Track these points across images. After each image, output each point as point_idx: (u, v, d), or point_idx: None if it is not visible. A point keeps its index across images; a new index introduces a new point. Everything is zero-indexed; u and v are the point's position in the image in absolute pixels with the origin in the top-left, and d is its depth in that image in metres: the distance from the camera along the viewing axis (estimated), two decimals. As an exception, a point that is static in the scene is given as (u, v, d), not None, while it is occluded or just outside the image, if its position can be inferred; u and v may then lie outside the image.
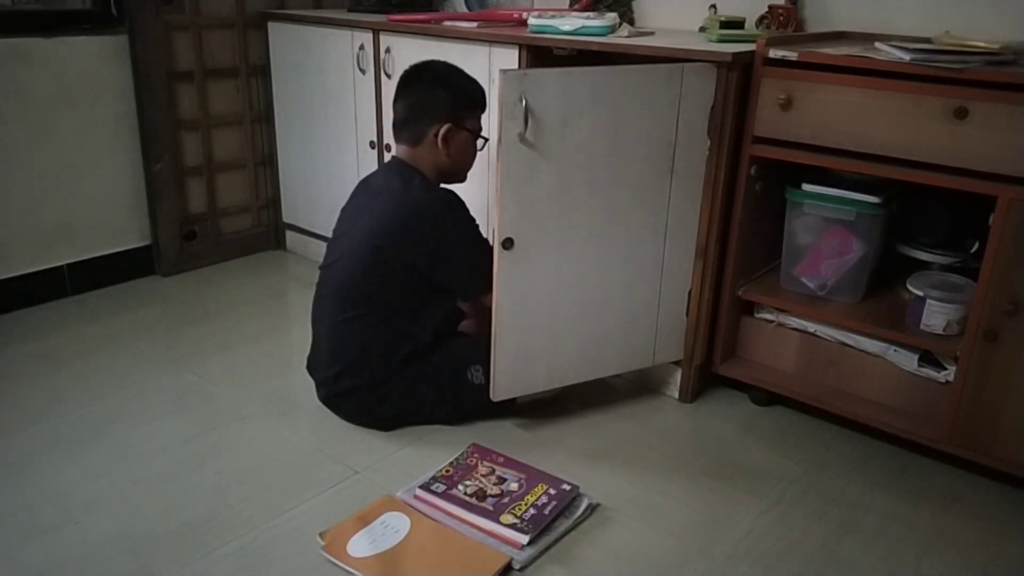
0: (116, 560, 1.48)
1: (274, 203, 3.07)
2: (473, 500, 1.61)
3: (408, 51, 2.35)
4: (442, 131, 1.84)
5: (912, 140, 1.63)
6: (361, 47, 2.48)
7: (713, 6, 2.26)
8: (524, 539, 1.51)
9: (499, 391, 1.82)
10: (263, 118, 2.96)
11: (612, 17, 2.03)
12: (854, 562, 1.53)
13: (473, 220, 1.87)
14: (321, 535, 1.52)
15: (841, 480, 1.77)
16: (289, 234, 3.09)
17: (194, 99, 2.76)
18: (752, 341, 2.05)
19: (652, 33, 2.18)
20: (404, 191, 1.82)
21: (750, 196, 1.90)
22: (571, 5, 2.47)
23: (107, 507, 1.62)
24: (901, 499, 1.71)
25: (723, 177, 1.87)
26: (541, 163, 1.68)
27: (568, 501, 1.62)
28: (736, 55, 1.75)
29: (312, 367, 1.98)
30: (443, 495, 1.62)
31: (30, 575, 1.44)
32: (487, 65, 2.14)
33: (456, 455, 1.76)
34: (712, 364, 2.05)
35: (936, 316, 1.77)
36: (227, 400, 2.02)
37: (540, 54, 2.09)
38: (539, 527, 1.54)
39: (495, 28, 2.24)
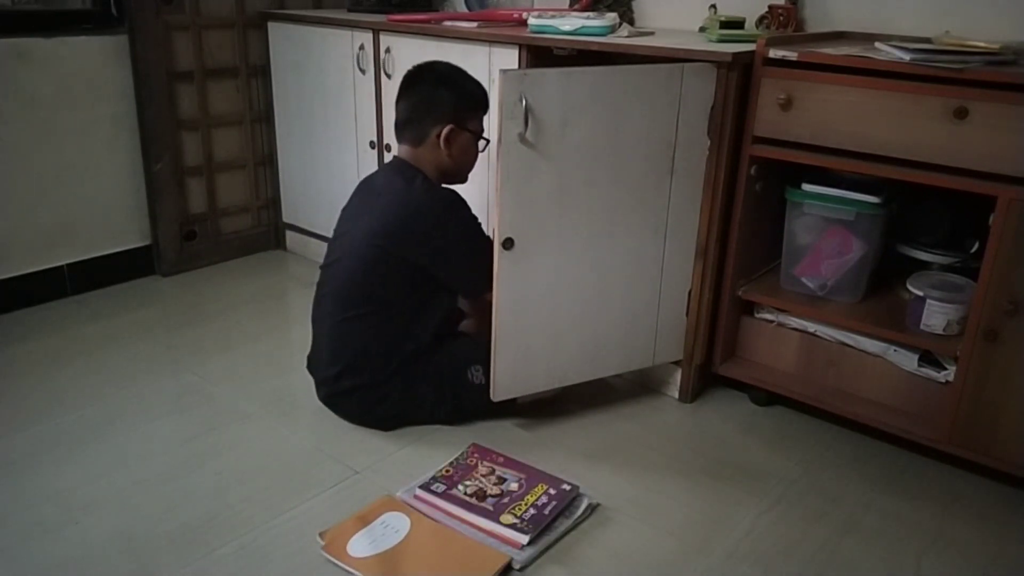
0: (116, 560, 1.48)
1: (274, 203, 3.07)
2: (473, 500, 1.61)
3: (408, 51, 2.35)
4: (444, 132, 1.84)
5: (912, 140, 1.63)
6: (361, 47, 2.48)
7: (713, 6, 2.26)
8: (524, 539, 1.51)
9: (499, 391, 1.82)
10: (263, 118, 2.96)
11: (612, 17, 2.03)
12: (854, 562, 1.53)
13: (475, 218, 1.88)
14: (321, 535, 1.52)
15: (841, 480, 1.77)
16: (289, 234, 3.09)
17: (194, 99, 2.76)
18: (752, 341, 2.05)
19: (652, 33, 2.18)
20: (406, 191, 1.82)
21: (750, 196, 1.90)
22: (571, 5, 2.47)
23: (107, 507, 1.62)
24: (901, 499, 1.71)
25: (723, 177, 1.87)
26: (541, 163, 1.68)
27: (568, 501, 1.62)
28: (736, 55, 1.75)
29: (312, 366, 1.98)
30: (443, 495, 1.62)
31: (30, 575, 1.44)
32: (487, 65, 2.14)
33: (456, 455, 1.76)
34: (712, 364, 2.05)
35: (936, 316, 1.77)
36: (227, 400, 2.02)
37: (540, 54, 2.09)
38: (539, 527, 1.54)
39: (495, 28, 2.24)
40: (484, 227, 1.92)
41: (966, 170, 1.59)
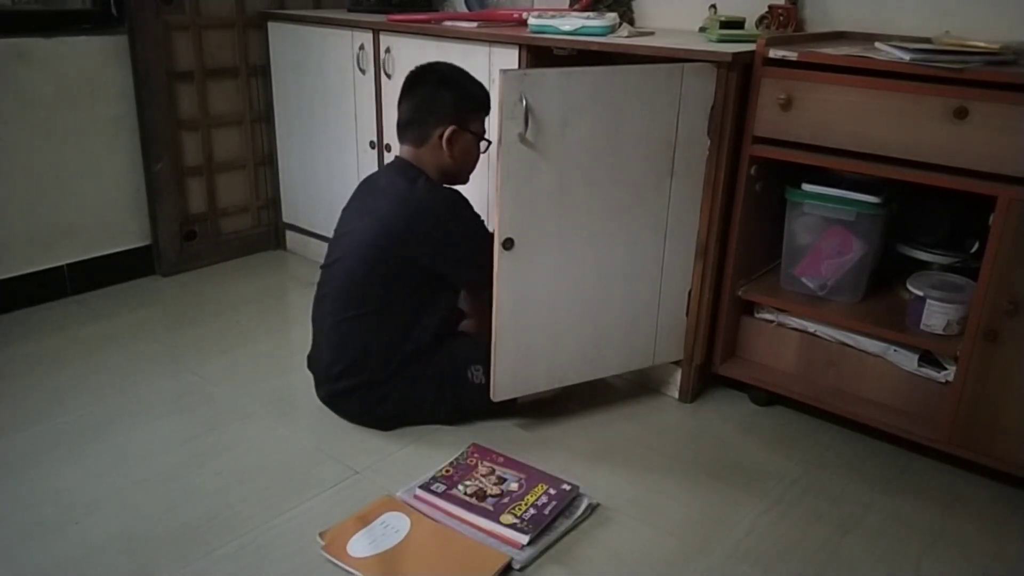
0: (116, 560, 1.48)
1: (274, 203, 3.07)
2: (473, 500, 1.61)
3: (408, 51, 2.35)
4: (447, 133, 1.84)
5: (912, 140, 1.63)
6: (361, 47, 2.48)
7: (713, 6, 2.26)
8: (524, 539, 1.51)
9: (499, 391, 1.82)
10: (263, 118, 2.96)
11: (612, 17, 2.03)
12: (854, 562, 1.53)
13: (478, 216, 1.89)
14: (321, 535, 1.52)
15: (841, 480, 1.77)
16: (289, 234, 3.09)
17: (194, 99, 2.76)
18: (752, 341, 2.05)
19: (652, 33, 2.18)
20: (409, 191, 1.82)
21: (750, 196, 1.90)
22: (571, 5, 2.47)
23: (107, 507, 1.62)
24: (901, 499, 1.71)
25: (723, 177, 1.87)
26: (541, 163, 1.68)
27: (568, 501, 1.62)
28: (736, 55, 1.75)
29: (312, 365, 1.98)
30: (443, 495, 1.62)
31: (30, 575, 1.44)
32: (487, 65, 2.14)
33: (456, 455, 1.76)
34: (712, 364, 2.05)
35: (936, 316, 1.77)
36: (227, 400, 2.02)
37: (540, 54, 2.09)
38: (539, 527, 1.54)
39: (495, 28, 2.24)
40: (486, 224, 1.92)
41: (966, 170, 1.59)
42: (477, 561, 1.47)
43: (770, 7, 2.17)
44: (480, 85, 1.92)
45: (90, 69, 2.53)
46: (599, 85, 1.70)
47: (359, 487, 1.69)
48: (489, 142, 1.93)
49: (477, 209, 1.90)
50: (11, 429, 1.87)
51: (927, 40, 1.81)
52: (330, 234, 1.99)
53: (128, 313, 2.52)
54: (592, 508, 1.64)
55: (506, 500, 1.61)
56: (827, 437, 1.93)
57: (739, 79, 1.80)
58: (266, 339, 2.36)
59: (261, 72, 2.90)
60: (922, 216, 1.97)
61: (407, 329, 1.85)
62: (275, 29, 2.80)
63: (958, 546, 1.58)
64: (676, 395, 2.08)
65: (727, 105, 1.81)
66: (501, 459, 1.75)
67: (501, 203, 1.67)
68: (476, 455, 1.77)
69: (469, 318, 2.04)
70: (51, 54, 2.44)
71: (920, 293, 1.79)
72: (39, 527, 1.56)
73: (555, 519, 1.58)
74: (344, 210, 1.98)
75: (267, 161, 3.02)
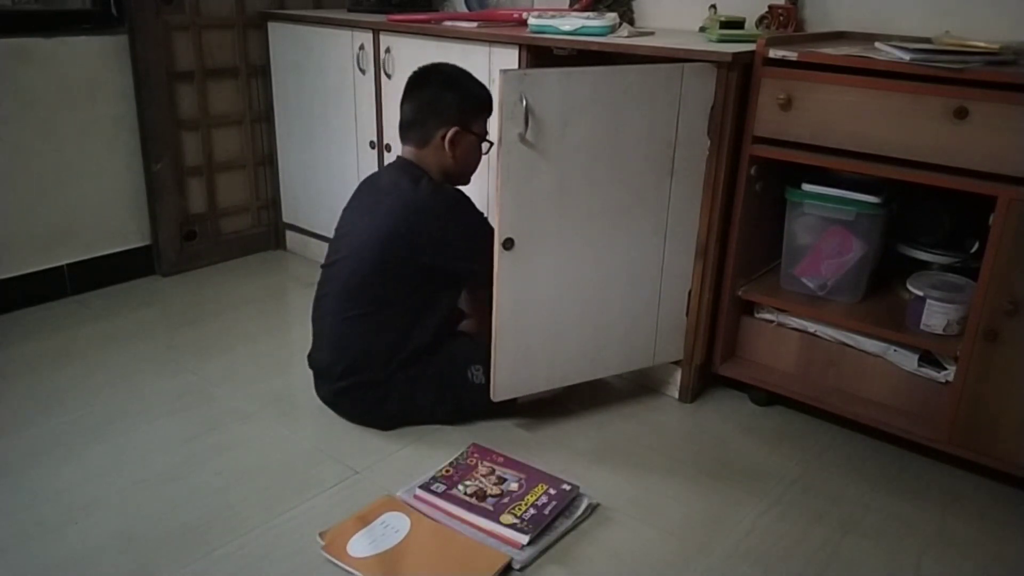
0: (116, 560, 1.48)
1: (274, 203, 3.07)
2: (473, 500, 1.61)
3: (408, 51, 2.35)
4: (449, 134, 1.85)
5: (912, 140, 1.63)
6: (361, 47, 2.48)
7: (713, 6, 2.26)
8: (524, 539, 1.51)
9: (499, 391, 1.82)
10: (263, 118, 2.96)
11: (612, 17, 2.03)
12: (854, 562, 1.53)
13: (481, 214, 1.90)
14: (321, 535, 1.52)
15: (841, 480, 1.77)
16: (289, 234, 3.09)
17: (194, 99, 2.76)
18: (752, 341, 2.05)
19: (652, 33, 2.18)
20: (413, 191, 1.82)
21: (750, 196, 1.90)
22: (571, 5, 2.47)
23: (107, 507, 1.62)
24: (901, 499, 1.71)
25: (723, 177, 1.87)
26: (541, 163, 1.68)
27: (568, 501, 1.62)
28: (736, 55, 1.75)
29: (313, 364, 1.98)
30: (443, 495, 1.62)
31: (30, 575, 1.44)
32: (487, 65, 2.14)
33: (456, 455, 1.76)
34: (712, 364, 2.05)
35: (936, 316, 1.77)
36: (227, 400, 2.02)
37: (540, 54, 2.09)
38: (539, 527, 1.54)
39: (495, 28, 2.24)
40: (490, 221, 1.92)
41: (966, 170, 1.59)
42: (477, 561, 1.47)
43: (770, 7, 2.17)
44: (483, 86, 1.92)
45: (90, 69, 2.53)
46: (599, 85, 1.70)
47: (359, 487, 1.69)
48: (491, 143, 1.94)
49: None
50: (11, 429, 1.87)
51: (927, 40, 1.81)
52: (330, 234, 1.99)
53: (128, 313, 2.52)
54: (592, 508, 1.64)
55: (506, 500, 1.61)
56: (827, 437, 1.93)
57: (739, 79, 1.80)
58: (266, 339, 2.36)
59: (261, 72, 2.90)
60: (922, 216, 1.97)
61: (408, 329, 1.85)
62: (275, 29, 2.80)
63: (958, 546, 1.58)
64: (676, 395, 2.08)
65: (727, 105, 1.81)
66: (501, 459, 1.75)
67: (501, 203, 1.67)
68: (476, 455, 1.77)
69: (469, 318, 2.04)
70: (51, 54, 2.44)
71: (920, 293, 1.79)
72: (39, 527, 1.56)
73: (555, 519, 1.58)
74: (345, 210, 1.98)
75: (267, 161, 3.02)
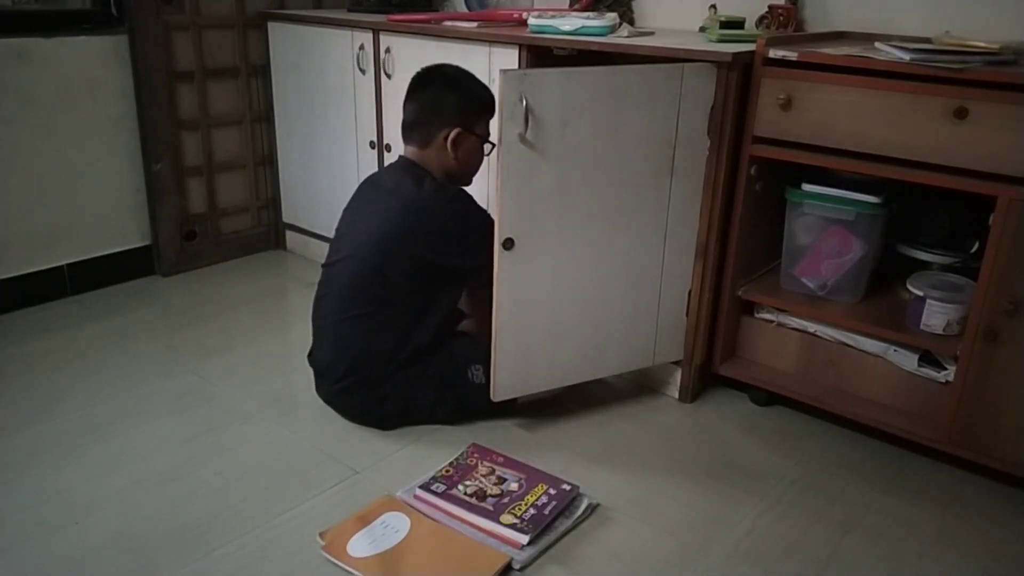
0: (116, 560, 1.48)
1: (274, 203, 3.07)
2: (473, 500, 1.61)
3: (408, 51, 2.35)
4: (452, 135, 1.85)
5: (912, 140, 1.63)
6: (361, 47, 2.48)
7: (713, 6, 2.26)
8: (524, 539, 1.51)
9: (499, 391, 1.82)
10: (263, 118, 2.96)
11: (612, 17, 2.03)
12: (854, 562, 1.53)
13: (485, 212, 1.90)
14: (321, 535, 1.52)
15: (841, 480, 1.77)
16: (289, 234, 3.09)
17: (194, 99, 2.76)
18: (752, 341, 2.05)
19: (652, 33, 2.18)
20: (416, 190, 1.82)
21: (750, 196, 1.90)
22: (571, 5, 2.47)
23: (107, 507, 1.62)
24: (901, 499, 1.71)
25: (723, 177, 1.87)
26: (541, 163, 1.68)
27: (568, 501, 1.62)
28: (736, 55, 1.75)
29: (314, 363, 1.98)
30: (443, 495, 1.62)
31: (30, 575, 1.44)
32: (487, 65, 2.14)
33: (456, 455, 1.76)
34: (712, 364, 2.05)
35: (936, 316, 1.77)
36: (227, 400, 2.02)
37: (540, 54, 2.09)
38: (539, 527, 1.54)
39: (495, 28, 2.24)
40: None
41: (966, 170, 1.59)
42: (477, 561, 1.47)
43: (770, 7, 2.17)
44: (485, 88, 1.92)
45: (90, 69, 2.53)
46: (599, 85, 1.69)
47: (359, 487, 1.69)
48: (493, 145, 1.94)
49: (478, 209, 1.91)
50: (11, 429, 1.87)
51: (927, 40, 1.81)
52: (330, 234, 1.99)
53: (128, 313, 2.52)
54: (592, 508, 1.64)
55: (506, 500, 1.61)
56: (827, 437, 1.93)
57: (739, 79, 1.80)
58: (266, 339, 2.36)
59: (261, 72, 2.90)
60: (922, 216, 1.97)
61: (408, 329, 1.85)
62: (275, 29, 2.80)
63: (958, 546, 1.58)
64: (676, 395, 2.08)
65: (727, 105, 1.81)
66: (501, 459, 1.75)
67: (501, 203, 1.67)
68: (476, 455, 1.77)
69: (469, 318, 2.04)
70: (51, 54, 2.44)
71: (920, 293, 1.79)
72: (39, 527, 1.56)
73: (555, 519, 1.58)
74: (346, 210, 1.98)
75: (267, 161, 3.02)
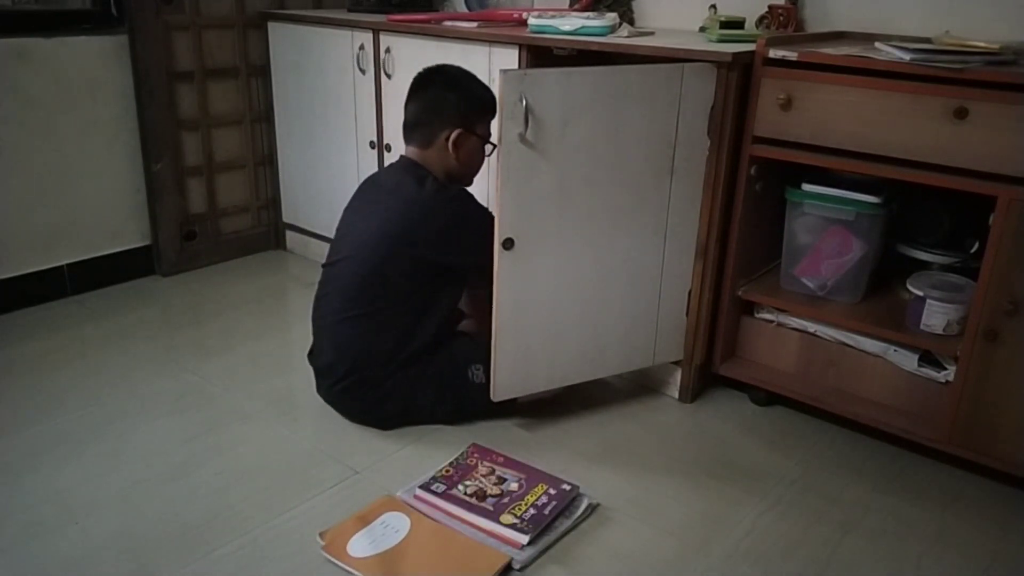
0: (116, 560, 1.48)
1: (274, 203, 3.07)
2: (473, 500, 1.61)
3: (408, 51, 2.35)
4: (453, 135, 1.85)
5: (912, 140, 1.63)
6: (361, 47, 2.48)
7: (713, 6, 2.26)
8: (524, 539, 1.51)
9: (499, 391, 1.82)
10: (263, 118, 2.96)
11: (612, 17, 2.03)
12: (854, 562, 1.53)
13: (487, 209, 1.90)
14: (321, 535, 1.52)
15: (841, 480, 1.77)
16: (289, 234, 3.09)
17: (194, 99, 2.76)
18: (752, 341, 2.05)
19: (652, 33, 2.18)
20: (418, 190, 1.83)
21: (750, 196, 1.90)
22: (571, 5, 2.47)
23: (107, 507, 1.62)
24: (901, 499, 1.71)
25: (723, 177, 1.87)
26: (541, 163, 1.68)
27: (568, 501, 1.62)
28: (736, 55, 1.75)
29: (313, 363, 1.98)
30: (443, 495, 1.62)
31: (30, 575, 1.44)
32: (487, 65, 2.14)
33: (456, 455, 1.76)
34: (712, 364, 2.05)
35: (936, 316, 1.77)
36: (227, 400, 2.02)
37: (540, 54, 2.09)
38: (539, 527, 1.54)
39: (495, 28, 2.24)
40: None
41: (966, 170, 1.59)
42: (477, 561, 1.47)
43: (770, 7, 2.17)
44: (487, 89, 1.92)
45: (90, 69, 2.53)
46: (599, 85, 1.69)
47: (359, 487, 1.69)
48: (494, 145, 1.94)
49: (478, 209, 1.91)
50: (11, 429, 1.87)
51: (927, 40, 1.81)
52: (330, 234, 1.99)
53: (128, 313, 2.52)
54: (592, 508, 1.64)
55: (506, 500, 1.61)
56: (827, 437, 1.93)
57: (739, 79, 1.80)
58: (266, 339, 2.36)
59: (261, 72, 2.90)
60: (922, 216, 1.96)
61: (409, 329, 1.85)
62: (275, 29, 2.80)
63: (958, 546, 1.58)
64: (676, 395, 2.08)
65: (727, 105, 1.81)
66: (501, 459, 1.75)
67: (501, 203, 1.67)
68: (476, 455, 1.77)
69: (469, 318, 2.04)
70: (51, 54, 2.44)
71: (920, 293, 1.79)
72: (39, 527, 1.56)
73: (555, 519, 1.58)
74: (346, 209, 1.98)
75: (267, 161, 3.02)
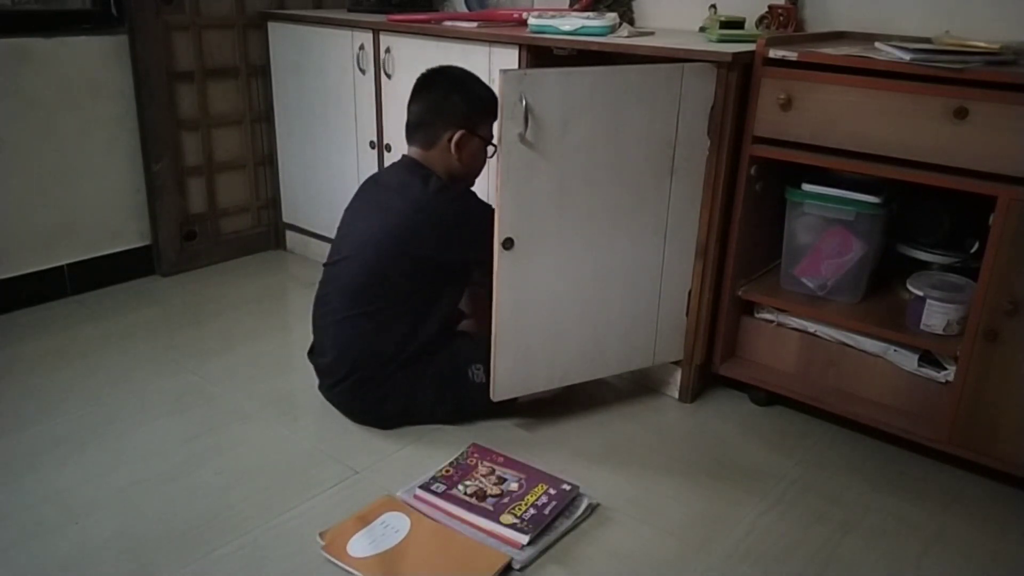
0: (116, 560, 1.48)
1: (274, 203, 3.07)
2: (473, 500, 1.61)
3: (408, 51, 2.35)
4: (456, 137, 1.85)
5: (912, 140, 1.63)
6: (361, 47, 2.48)
7: (713, 6, 2.26)
8: (524, 539, 1.51)
9: (499, 391, 1.82)
10: (263, 118, 2.96)
11: (612, 17, 2.03)
12: (854, 562, 1.53)
13: (490, 206, 1.89)
14: (321, 535, 1.52)
15: (841, 480, 1.77)
16: (289, 234, 3.09)
17: (194, 99, 2.76)
18: (752, 341, 2.05)
19: (652, 33, 2.18)
20: (423, 190, 1.83)
21: (750, 196, 1.90)
22: (571, 5, 2.47)
23: (107, 507, 1.62)
24: (901, 499, 1.71)
25: (723, 177, 1.87)
26: (541, 163, 1.68)
27: (568, 501, 1.62)
28: (736, 55, 1.75)
29: (314, 361, 1.98)
30: (443, 495, 1.62)
31: (30, 575, 1.44)
32: (487, 65, 2.14)
33: (456, 455, 1.76)
34: (712, 364, 2.05)
35: (936, 316, 1.77)
36: (227, 400, 2.02)
37: (540, 54, 2.09)
38: (539, 527, 1.54)
39: (495, 28, 2.24)
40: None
41: (966, 170, 1.59)
42: (477, 561, 1.47)
43: (770, 7, 2.17)
44: (490, 90, 1.92)
45: (90, 69, 2.53)
46: (599, 85, 1.69)
47: (359, 487, 1.69)
48: (496, 147, 1.94)
49: (478, 208, 1.91)
50: (11, 429, 1.87)
51: (927, 40, 1.81)
52: (330, 234, 1.99)
53: (128, 313, 2.52)
54: (592, 508, 1.64)
55: (506, 500, 1.61)
56: (827, 437, 1.93)
57: (739, 79, 1.80)
58: (266, 339, 2.36)
59: (261, 72, 2.90)
60: (922, 216, 1.96)
61: (410, 328, 1.85)
62: (275, 29, 2.80)
63: (958, 546, 1.58)
64: (676, 395, 2.08)
65: (727, 105, 1.81)
66: (501, 459, 1.75)
67: (501, 203, 1.67)
68: (476, 455, 1.77)
69: (469, 318, 2.04)
70: (51, 54, 2.44)
71: (920, 293, 1.79)
72: (39, 527, 1.56)
73: (555, 519, 1.58)
74: (348, 209, 1.98)
75: (267, 161, 3.02)
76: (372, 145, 2.55)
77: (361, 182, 2.04)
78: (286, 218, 3.05)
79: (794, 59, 1.73)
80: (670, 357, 2.04)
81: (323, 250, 2.02)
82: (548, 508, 1.59)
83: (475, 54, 2.17)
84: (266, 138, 2.99)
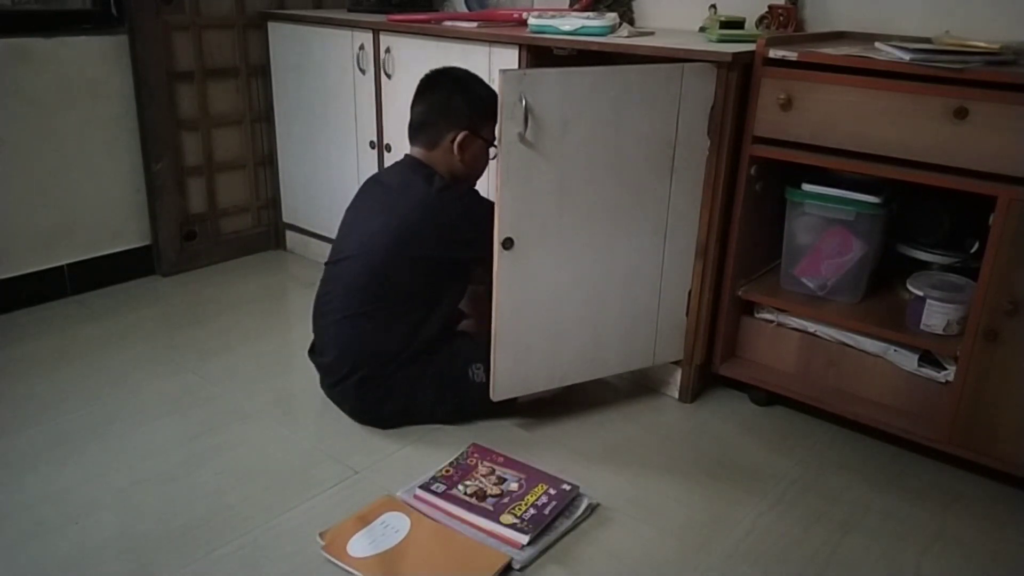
0: (116, 560, 1.48)
1: (274, 203, 3.07)
2: (473, 500, 1.61)
3: (408, 51, 2.35)
4: (459, 138, 1.85)
5: (912, 140, 1.63)
6: (361, 47, 2.48)
7: (713, 6, 2.26)
8: (524, 539, 1.51)
9: (499, 391, 1.82)
10: (263, 118, 2.96)
11: (612, 17, 2.03)
12: (854, 562, 1.53)
13: (494, 203, 1.89)
14: (321, 535, 1.52)
15: (841, 480, 1.77)
16: (289, 234, 3.09)
17: (194, 99, 2.76)
18: (752, 341, 2.05)
19: (652, 33, 2.18)
20: (427, 189, 1.83)
21: (750, 196, 1.90)
22: (571, 5, 2.47)
23: (107, 507, 1.62)
24: (901, 499, 1.71)
25: (723, 177, 1.87)
26: (541, 163, 1.68)
27: (568, 501, 1.62)
28: (736, 55, 1.75)
29: (315, 360, 1.98)
30: (443, 495, 1.62)
31: (30, 575, 1.44)
32: (487, 65, 2.14)
33: (456, 455, 1.76)
34: (712, 364, 2.05)
35: (936, 316, 1.77)
36: (227, 400, 2.02)
37: (540, 54, 2.09)
38: (539, 527, 1.54)
39: (495, 28, 2.24)
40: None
41: (966, 170, 1.59)
42: (477, 561, 1.47)
43: (770, 7, 2.17)
44: (493, 92, 1.91)
45: (90, 69, 2.53)
46: (599, 85, 1.69)
47: (359, 487, 1.69)
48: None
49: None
50: (11, 429, 1.87)
51: (927, 40, 1.81)
52: (330, 234, 1.99)
53: (128, 313, 2.52)
54: (592, 508, 1.64)
55: (506, 500, 1.61)
56: (827, 437, 1.93)
57: (739, 79, 1.80)
58: (266, 339, 2.36)
59: (261, 72, 2.90)
60: (922, 216, 1.97)
61: (411, 328, 1.85)
62: (275, 29, 2.80)
63: (958, 546, 1.58)
64: (676, 395, 2.08)
65: (727, 105, 1.81)
66: (501, 459, 1.75)
67: (501, 203, 1.67)
68: (476, 455, 1.77)
69: (469, 318, 2.04)
70: (51, 54, 2.44)
71: (920, 293, 1.79)
72: (39, 527, 1.56)
73: (555, 519, 1.58)
74: (349, 209, 1.98)
75: (267, 161, 3.02)
76: (372, 145, 2.55)
77: (361, 182, 2.05)
78: (286, 218, 3.05)
79: (794, 59, 1.73)
80: (670, 357, 2.04)
81: (323, 250, 2.02)
82: (548, 508, 1.59)
83: (475, 54, 2.17)
84: (266, 138, 2.99)
